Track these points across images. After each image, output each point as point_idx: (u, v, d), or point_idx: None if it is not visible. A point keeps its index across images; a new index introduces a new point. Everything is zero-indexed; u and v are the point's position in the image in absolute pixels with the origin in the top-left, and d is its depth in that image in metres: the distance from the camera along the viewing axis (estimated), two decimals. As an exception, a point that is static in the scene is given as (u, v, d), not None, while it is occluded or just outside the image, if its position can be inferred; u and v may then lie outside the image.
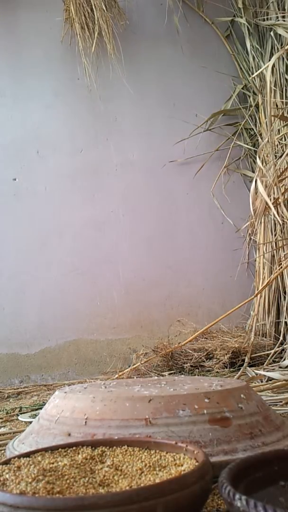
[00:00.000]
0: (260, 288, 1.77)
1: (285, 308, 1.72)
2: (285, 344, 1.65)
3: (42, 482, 0.43)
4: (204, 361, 1.58)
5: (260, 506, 0.33)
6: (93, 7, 1.84)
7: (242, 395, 0.67)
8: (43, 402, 1.30)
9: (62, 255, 1.87)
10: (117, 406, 0.64)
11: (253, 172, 1.92)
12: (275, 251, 1.79)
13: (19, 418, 1.08)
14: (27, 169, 1.90)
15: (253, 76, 1.89)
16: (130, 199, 1.94)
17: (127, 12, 1.98)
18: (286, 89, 1.79)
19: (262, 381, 1.26)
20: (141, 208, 1.95)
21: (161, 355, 1.58)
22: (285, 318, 1.72)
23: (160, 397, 0.63)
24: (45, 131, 1.93)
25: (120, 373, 1.52)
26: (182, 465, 0.48)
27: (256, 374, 1.33)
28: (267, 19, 1.88)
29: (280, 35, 1.81)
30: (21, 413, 1.15)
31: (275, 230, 1.79)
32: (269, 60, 1.67)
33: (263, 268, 1.82)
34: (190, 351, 1.61)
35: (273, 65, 1.77)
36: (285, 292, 1.74)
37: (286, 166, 1.62)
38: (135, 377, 1.47)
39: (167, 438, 0.57)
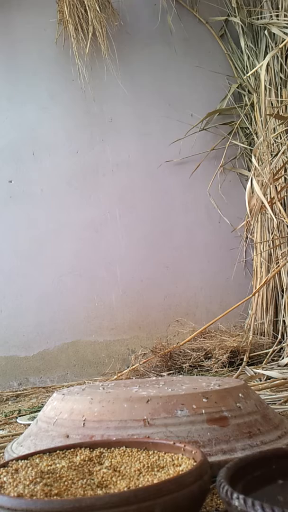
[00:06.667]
0: (257, 287, 1.77)
1: (283, 307, 1.72)
2: (284, 343, 1.65)
3: (40, 485, 0.43)
4: (203, 361, 1.58)
5: (258, 505, 0.33)
6: (87, 8, 1.84)
7: (240, 394, 0.67)
8: (42, 404, 1.29)
9: (59, 257, 1.87)
10: (115, 407, 0.63)
11: (249, 171, 1.92)
12: (272, 250, 1.79)
13: (17, 420, 1.08)
14: (23, 171, 1.90)
15: (248, 75, 1.89)
16: (127, 200, 1.94)
17: (120, 13, 1.98)
18: (281, 88, 1.79)
19: (260, 380, 1.26)
20: (138, 208, 1.95)
21: (159, 355, 1.58)
22: (283, 317, 1.72)
23: (158, 398, 0.63)
24: (41, 133, 1.93)
25: (118, 374, 1.52)
26: (180, 465, 0.48)
27: (255, 373, 1.33)
28: (261, 18, 1.88)
29: (274, 33, 1.81)
30: (19, 416, 1.15)
31: (272, 228, 1.79)
32: (264, 59, 1.67)
33: (261, 267, 1.82)
34: (189, 351, 1.61)
35: (268, 64, 1.77)
36: (283, 291, 1.74)
37: (281, 164, 1.62)
38: (133, 378, 1.46)
39: (166, 438, 0.57)
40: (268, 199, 1.59)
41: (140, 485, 0.44)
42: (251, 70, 1.89)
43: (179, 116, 1.97)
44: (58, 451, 0.54)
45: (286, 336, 1.69)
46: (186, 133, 1.95)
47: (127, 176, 1.95)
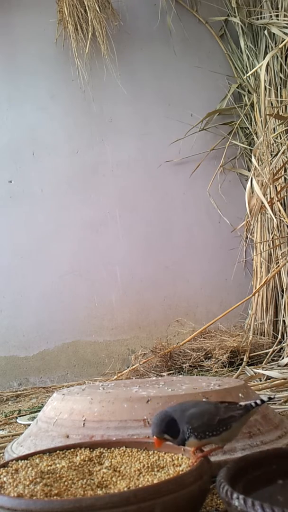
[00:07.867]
0: (257, 287, 1.77)
1: (283, 307, 1.72)
2: (284, 343, 1.65)
3: (40, 485, 0.43)
4: (203, 361, 1.58)
5: (258, 505, 0.33)
6: (87, 8, 1.84)
7: (240, 394, 0.67)
8: (42, 404, 1.29)
9: (59, 257, 1.87)
10: (115, 407, 0.63)
11: (249, 171, 1.92)
12: (272, 250, 1.79)
13: (18, 420, 1.08)
14: (23, 171, 1.90)
15: (248, 75, 1.89)
16: (127, 200, 1.94)
17: (120, 13, 1.98)
18: (280, 88, 1.79)
19: (260, 380, 1.26)
20: (138, 208, 1.94)
21: (159, 355, 1.58)
22: (283, 317, 1.72)
23: (158, 398, 0.63)
24: (41, 133, 1.93)
25: (118, 374, 1.52)
26: (180, 465, 0.48)
27: (255, 373, 1.33)
28: (261, 18, 1.88)
29: (274, 33, 1.81)
30: (20, 416, 1.15)
31: (272, 228, 1.79)
32: (263, 59, 1.67)
33: (261, 267, 1.82)
34: (189, 351, 1.61)
35: (268, 64, 1.77)
36: (283, 291, 1.74)
37: (281, 164, 1.62)
38: (133, 378, 1.46)
39: (166, 438, 0.57)
40: (268, 199, 1.60)
41: (140, 485, 0.44)
42: (251, 70, 1.89)
43: (179, 116, 1.97)
44: (58, 451, 0.54)
45: (286, 336, 1.69)
46: (186, 133, 1.95)
47: (127, 176, 1.95)
